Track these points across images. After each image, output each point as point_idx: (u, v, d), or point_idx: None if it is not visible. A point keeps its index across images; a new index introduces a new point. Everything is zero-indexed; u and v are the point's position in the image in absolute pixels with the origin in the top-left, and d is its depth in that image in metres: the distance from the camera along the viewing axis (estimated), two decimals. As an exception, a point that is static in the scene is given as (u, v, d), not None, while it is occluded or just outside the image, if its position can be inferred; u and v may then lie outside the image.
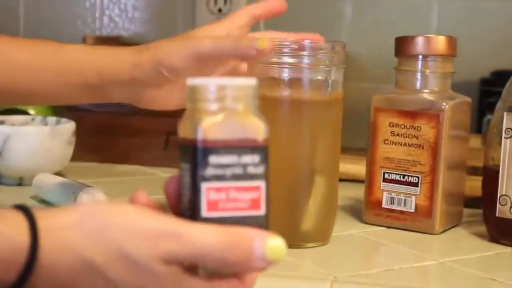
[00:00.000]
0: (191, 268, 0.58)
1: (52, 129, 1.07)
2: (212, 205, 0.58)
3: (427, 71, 0.94)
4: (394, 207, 0.95)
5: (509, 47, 1.30)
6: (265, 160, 0.59)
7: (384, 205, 0.95)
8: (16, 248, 0.56)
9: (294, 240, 0.84)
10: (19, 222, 0.57)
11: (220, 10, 1.37)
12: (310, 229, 0.86)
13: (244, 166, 0.59)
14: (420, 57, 0.94)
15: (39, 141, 1.05)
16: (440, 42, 0.95)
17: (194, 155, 0.58)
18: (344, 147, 1.33)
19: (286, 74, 0.84)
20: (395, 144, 0.94)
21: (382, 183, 0.95)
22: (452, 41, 0.95)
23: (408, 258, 0.86)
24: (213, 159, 0.58)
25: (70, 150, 1.09)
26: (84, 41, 1.31)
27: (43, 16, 1.43)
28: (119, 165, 1.21)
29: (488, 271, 0.82)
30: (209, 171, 0.58)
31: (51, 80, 0.84)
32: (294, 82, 0.84)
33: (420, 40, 0.94)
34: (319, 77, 0.85)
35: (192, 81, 0.59)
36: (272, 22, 1.37)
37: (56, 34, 1.42)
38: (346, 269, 0.80)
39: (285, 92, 0.84)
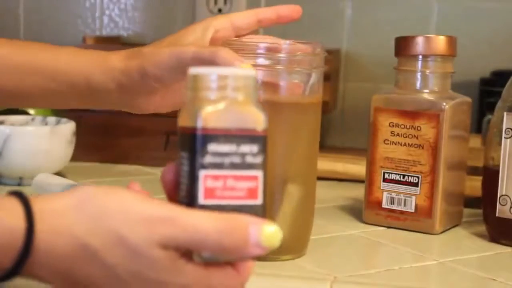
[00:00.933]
0: (187, 254, 0.58)
1: (52, 129, 1.07)
2: (210, 193, 0.58)
3: (427, 71, 0.94)
4: (394, 207, 0.95)
5: (509, 47, 1.30)
6: (263, 150, 0.59)
7: (384, 205, 0.95)
8: (12, 234, 0.56)
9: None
10: (15, 208, 0.57)
11: (220, 10, 1.37)
12: (282, 240, 0.82)
13: (243, 155, 0.59)
14: (420, 57, 0.94)
15: (39, 141, 1.05)
16: (440, 42, 0.95)
17: (193, 142, 0.58)
18: (344, 147, 1.34)
19: (261, 77, 0.79)
20: (395, 144, 0.94)
21: (382, 183, 0.95)
22: (452, 41, 0.96)
23: (408, 258, 0.86)
24: (212, 147, 0.58)
25: (70, 150, 1.09)
26: (84, 41, 1.31)
27: (43, 16, 1.43)
28: (119, 165, 1.21)
29: (488, 271, 0.82)
30: (208, 159, 0.58)
31: (40, 84, 0.83)
32: (270, 85, 0.80)
33: (420, 40, 0.94)
34: (296, 80, 0.81)
35: (193, 70, 0.60)
36: (272, 22, 1.37)
37: (56, 34, 1.42)
38: (346, 269, 0.80)
39: (260, 95, 0.80)
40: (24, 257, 0.56)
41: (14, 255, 0.56)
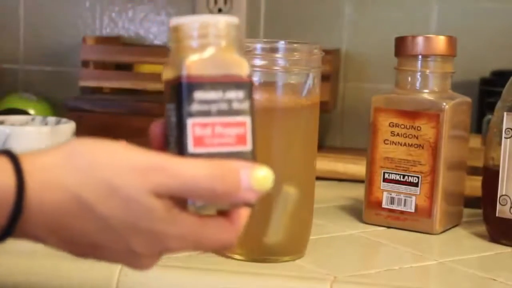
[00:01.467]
0: (181, 204, 0.57)
1: (52, 129, 1.07)
2: (199, 141, 0.58)
3: (427, 71, 0.94)
4: (394, 207, 0.95)
5: (509, 47, 1.30)
6: (249, 96, 0.59)
7: (384, 205, 0.95)
8: (2, 192, 0.55)
9: (261, 254, 0.81)
10: (3, 166, 0.56)
11: (220, 10, 1.37)
12: (279, 242, 0.81)
13: (229, 101, 0.58)
14: (420, 57, 0.94)
15: (39, 141, 1.05)
16: (440, 42, 0.95)
17: (179, 92, 0.58)
18: (344, 147, 1.34)
19: (257, 78, 0.79)
20: (395, 144, 0.94)
21: (382, 183, 0.95)
22: (452, 41, 0.96)
23: (408, 258, 0.86)
24: (198, 94, 0.58)
25: (70, 150, 1.09)
26: (84, 41, 1.31)
27: (43, 16, 1.43)
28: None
29: (488, 271, 0.82)
30: (195, 107, 0.58)
31: None
32: (267, 86, 0.80)
33: (420, 40, 0.94)
34: (293, 81, 0.81)
35: (174, 20, 0.60)
36: (272, 22, 1.37)
37: (56, 34, 1.42)
38: (346, 269, 0.80)
39: (256, 97, 0.80)
40: (16, 214, 0.55)
41: (6, 213, 0.55)
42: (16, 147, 1.04)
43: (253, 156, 0.59)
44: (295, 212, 0.81)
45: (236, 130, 0.59)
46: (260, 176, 0.57)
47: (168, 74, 0.60)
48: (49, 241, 0.58)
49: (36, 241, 0.58)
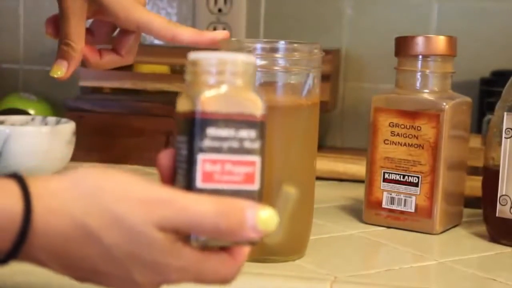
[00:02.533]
0: (184, 238, 0.58)
1: (52, 129, 1.07)
2: (207, 177, 0.58)
3: (427, 71, 0.94)
4: (394, 207, 0.95)
5: (509, 47, 1.30)
6: (261, 136, 0.60)
7: (384, 205, 0.95)
8: (9, 215, 0.55)
9: (261, 254, 0.80)
10: (12, 190, 0.56)
11: (220, 10, 1.37)
12: (279, 242, 0.81)
13: (241, 140, 0.59)
14: (420, 57, 0.94)
15: (39, 141, 1.05)
16: (440, 42, 0.95)
17: (192, 126, 0.58)
18: (344, 147, 1.34)
19: (257, 78, 0.78)
20: (395, 144, 0.94)
21: (382, 183, 0.95)
22: (452, 41, 0.96)
23: (408, 258, 0.86)
24: (211, 131, 0.58)
25: (70, 150, 1.09)
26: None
27: (43, 16, 1.43)
28: (119, 165, 1.20)
29: (488, 271, 0.82)
30: (206, 143, 0.58)
31: None
32: (267, 86, 0.80)
33: (420, 40, 0.94)
34: (293, 81, 0.81)
35: (193, 54, 0.60)
36: (272, 23, 1.37)
37: (56, 34, 1.42)
38: (346, 269, 0.80)
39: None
40: (22, 238, 0.56)
41: (12, 237, 0.56)
42: (16, 147, 1.04)
43: (259, 196, 0.60)
44: (295, 212, 0.81)
45: (245, 169, 0.59)
46: (265, 217, 0.58)
47: (182, 106, 0.60)
48: (51, 265, 0.58)
49: (38, 265, 0.58)
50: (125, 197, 0.57)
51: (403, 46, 0.95)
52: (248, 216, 0.57)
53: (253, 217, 0.57)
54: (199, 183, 0.58)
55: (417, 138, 0.93)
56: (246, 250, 0.60)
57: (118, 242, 0.57)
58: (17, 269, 0.78)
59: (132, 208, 0.56)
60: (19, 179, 0.57)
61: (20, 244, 0.56)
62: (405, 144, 0.94)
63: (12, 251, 0.56)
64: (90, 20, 0.94)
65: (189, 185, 0.58)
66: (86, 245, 0.57)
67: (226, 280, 0.60)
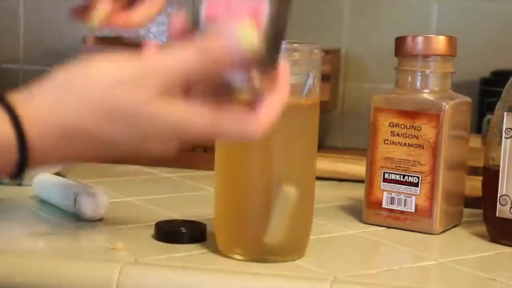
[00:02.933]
0: (190, 93, 0.59)
1: (52, 129, 1.07)
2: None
3: (427, 71, 0.94)
4: (394, 207, 0.95)
5: (509, 47, 1.30)
6: None
7: (384, 205, 0.95)
8: (5, 143, 0.58)
9: (261, 254, 0.80)
10: (1, 117, 0.58)
11: (220, 10, 1.37)
12: (279, 242, 0.80)
13: None
14: (420, 57, 0.94)
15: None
16: (440, 42, 0.95)
17: None
18: (344, 147, 1.34)
19: None
20: (395, 144, 0.94)
21: (382, 183, 0.95)
22: (452, 41, 0.96)
23: (408, 258, 0.86)
24: None
25: (70, 150, 1.09)
26: (84, 41, 1.31)
27: (43, 16, 1.43)
28: (119, 165, 1.20)
29: (488, 271, 0.82)
30: None
31: None
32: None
33: (420, 40, 0.94)
34: (293, 81, 0.79)
35: None
36: (272, 22, 1.37)
37: (56, 34, 1.42)
38: (346, 269, 0.80)
39: None
40: (23, 160, 0.58)
41: (14, 161, 0.58)
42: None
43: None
44: (295, 212, 0.81)
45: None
46: (244, 28, 0.59)
47: None
48: (61, 160, 0.62)
49: (50, 165, 0.62)
50: (112, 83, 0.57)
51: (403, 46, 0.95)
52: (229, 39, 0.58)
53: (234, 35, 0.58)
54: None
55: (417, 138, 0.93)
56: (272, 106, 0.62)
57: (122, 132, 0.58)
58: (17, 270, 0.78)
59: (124, 90, 0.57)
60: (7, 106, 0.58)
61: (23, 165, 0.58)
62: (405, 144, 0.94)
63: (19, 171, 0.59)
64: None
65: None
66: (89, 141, 0.59)
67: (248, 135, 0.61)
